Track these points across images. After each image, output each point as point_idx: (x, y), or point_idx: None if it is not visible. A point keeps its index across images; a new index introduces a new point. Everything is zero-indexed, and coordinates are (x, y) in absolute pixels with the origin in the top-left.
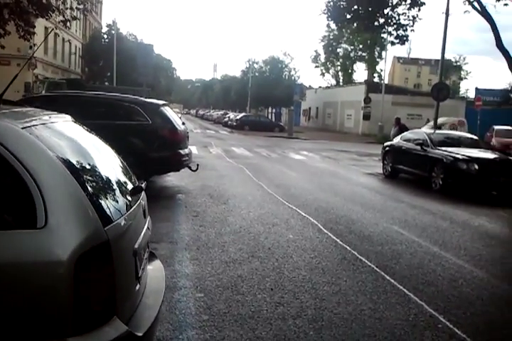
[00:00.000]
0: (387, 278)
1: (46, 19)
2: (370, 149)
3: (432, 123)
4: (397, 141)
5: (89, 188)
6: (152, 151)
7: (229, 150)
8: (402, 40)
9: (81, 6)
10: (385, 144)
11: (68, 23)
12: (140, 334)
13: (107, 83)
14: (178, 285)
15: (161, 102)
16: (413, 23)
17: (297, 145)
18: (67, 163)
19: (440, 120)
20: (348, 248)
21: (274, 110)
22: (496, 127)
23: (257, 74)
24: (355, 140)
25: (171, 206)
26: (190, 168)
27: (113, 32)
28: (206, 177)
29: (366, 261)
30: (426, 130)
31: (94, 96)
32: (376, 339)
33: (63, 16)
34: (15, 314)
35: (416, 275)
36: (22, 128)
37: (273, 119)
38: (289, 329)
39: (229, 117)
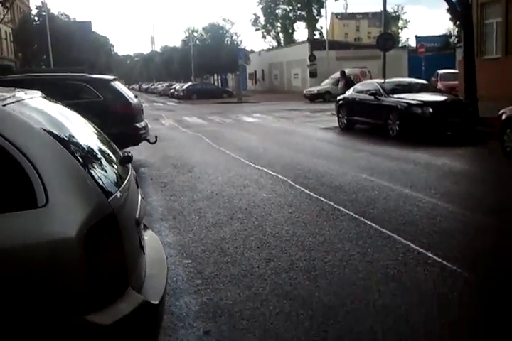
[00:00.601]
0: (368, 223)
1: None
2: (322, 105)
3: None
4: (349, 93)
5: (83, 161)
6: (108, 128)
7: (181, 121)
8: None
9: None
10: (339, 98)
11: (7, 3)
12: (156, 302)
13: (43, 66)
14: None
15: (110, 77)
16: None
17: (248, 108)
18: (56, 137)
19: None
20: (323, 199)
21: (219, 77)
22: (440, 71)
23: (198, 42)
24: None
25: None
26: (148, 140)
27: (43, 13)
28: (165, 149)
29: (344, 210)
30: (377, 80)
31: (40, 78)
32: (371, 280)
33: None
34: (30, 296)
35: (394, 217)
36: (3, 105)
37: (220, 86)
38: (284, 282)
39: (175, 88)
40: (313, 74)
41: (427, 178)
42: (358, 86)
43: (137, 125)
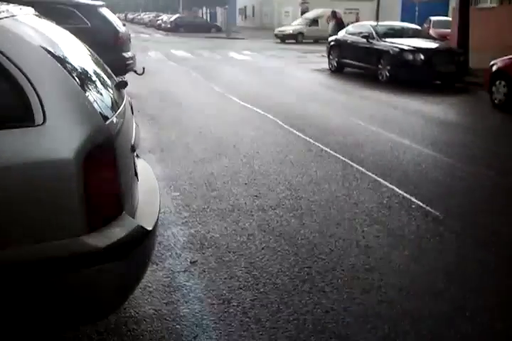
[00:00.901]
0: (355, 165)
1: None
2: (312, 46)
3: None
4: (342, 35)
5: (81, 83)
6: None
7: (169, 54)
8: None
9: None
10: (330, 39)
11: None
12: (150, 228)
13: None
14: None
15: (98, 3)
16: None
17: (238, 45)
18: (54, 56)
19: (315, 12)
20: (311, 141)
21: (208, 10)
22: (433, 18)
23: None
24: None
25: None
26: (135, 71)
27: None
28: (153, 82)
29: (331, 152)
30: (370, 22)
31: (27, 1)
32: (356, 222)
33: None
34: (26, 215)
35: (381, 161)
36: None
37: (208, 20)
38: (270, 218)
39: (162, 20)
40: (304, 13)
41: (415, 125)
42: (350, 28)
43: (124, 55)
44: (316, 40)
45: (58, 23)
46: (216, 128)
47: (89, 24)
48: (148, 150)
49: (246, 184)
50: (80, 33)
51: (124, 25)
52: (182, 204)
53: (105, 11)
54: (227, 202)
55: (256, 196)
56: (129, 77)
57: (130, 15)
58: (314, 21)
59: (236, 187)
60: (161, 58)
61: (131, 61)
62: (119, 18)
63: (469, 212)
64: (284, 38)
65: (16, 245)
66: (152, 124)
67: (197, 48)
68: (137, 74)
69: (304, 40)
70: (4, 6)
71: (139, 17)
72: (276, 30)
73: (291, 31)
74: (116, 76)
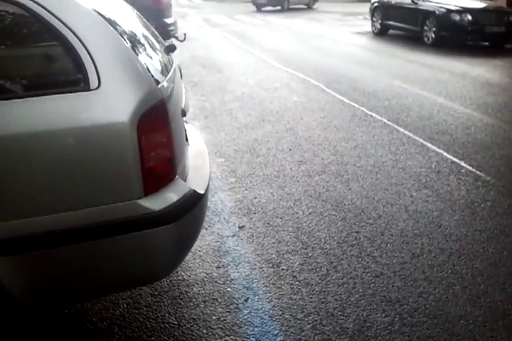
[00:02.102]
0: (401, 130)
1: None
2: (354, 8)
3: None
4: None
5: (133, 46)
6: None
7: (208, 19)
8: None
9: None
10: (373, 0)
11: None
12: (202, 192)
13: None
14: None
15: None
16: None
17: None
18: (105, 18)
19: None
20: (355, 105)
21: None
22: None
23: None
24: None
25: None
26: (177, 38)
27: None
28: (193, 48)
29: (377, 116)
30: None
31: None
32: (404, 186)
33: None
34: (82, 178)
35: (428, 125)
36: None
37: None
38: (316, 184)
39: None
40: None
41: (462, 88)
42: None
43: (166, 21)
44: None
45: None
46: (259, 94)
47: None
48: (192, 118)
49: (290, 150)
50: None
51: None
52: (228, 170)
53: None
54: (273, 168)
55: (301, 161)
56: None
57: None
58: None
59: (281, 153)
60: (200, 24)
61: (172, 27)
62: None
63: None
64: (260, 6)
65: (75, 208)
66: (195, 91)
67: (236, 13)
68: (178, 40)
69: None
70: None
71: None
72: None
73: None
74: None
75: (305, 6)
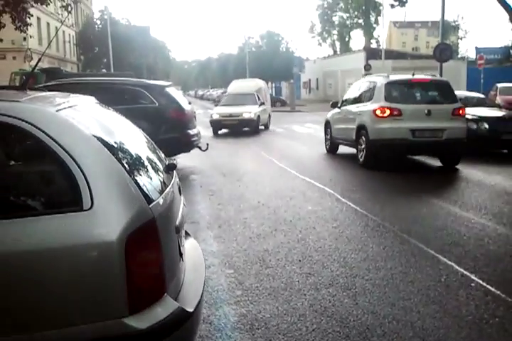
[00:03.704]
0: (413, 241)
1: (47, 5)
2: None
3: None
4: None
5: (129, 167)
6: (161, 133)
7: None
8: (402, 1)
9: None
10: None
11: (69, 8)
12: (191, 310)
13: (104, 70)
14: (207, 263)
15: (165, 83)
16: None
17: (301, 118)
18: (104, 143)
19: None
20: (368, 215)
21: (273, 84)
22: (500, 85)
23: (253, 49)
24: None
25: (186, 187)
26: (200, 147)
27: (105, 17)
28: (216, 156)
29: (389, 226)
30: None
31: (99, 82)
32: (411, 302)
33: (63, 1)
34: (70, 296)
35: (441, 236)
36: (56, 111)
37: (274, 94)
38: (323, 298)
39: None
40: None
41: (479, 197)
42: None
43: (189, 132)
44: None
45: (129, 102)
46: (274, 203)
47: (157, 103)
48: (207, 227)
49: (300, 261)
50: (148, 112)
51: (189, 103)
52: (235, 282)
53: (171, 91)
54: (280, 280)
55: (309, 273)
56: (193, 152)
57: (200, 92)
58: None
59: (290, 265)
60: (225, 132)
61: (195, 138)
62: (189, 94)
63: None
64: None
65: (60, 327)
66: (212, 200)
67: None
68: (201, 150)
69: None
70: (66, 97)
71: (207, 93)
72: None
73: None
74: (181, 152)
75: None
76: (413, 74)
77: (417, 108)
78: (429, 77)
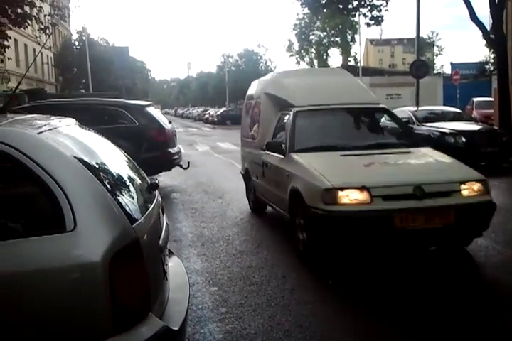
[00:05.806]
0: None
1: (25, 28)
2: None
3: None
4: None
5: (111, 188)
6: (142, 153)
7: (215, 147)
8: (378, 20)
9: (58, 12)
10: None
11: (48, 31)
12: (176, 328)
13: (82, 90)
14: (191, 281)
15: (145, 103)
16: (386, 3)
17: None
18: (86, 164)
19: None
20: None
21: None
22: (476, 99)
23: (233, 68)
24: None
25: (168, 205)
26: (181, 166)
27: (84, 38)
28: (197, 175)
29: None
30: (410, 108)
31: (77, 103)
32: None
33: (42, 24)
34: (54, 318)
35: None
36: (37, 133)
37: None
38: (307, 313)
39: (209, 113)
40: None
41: None
42: None
43: (170, 150)
44: None
45: (109, 122)
46: (257, 220)
47: (137, 123)
48: (190, 245)
49: (284, 277)
50: (128, 132)
51: (169, 122)
52: (220, 299)
53: (152, 110)
54: (265, 297)
55: (293, 289)
56: (175, 170)
57: (180, 111)
58: None
59: (274, 280)
60: (206, 151)
61: (176, 156)
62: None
63: None
64: None
65: None
66: (195, 217)
67: None
68: (183, 168)
69: None
70: (47, 120)
71: (187, 112)
72: None
73: None
74: (163, 171)
75: None
76: None
77: None
78: None
